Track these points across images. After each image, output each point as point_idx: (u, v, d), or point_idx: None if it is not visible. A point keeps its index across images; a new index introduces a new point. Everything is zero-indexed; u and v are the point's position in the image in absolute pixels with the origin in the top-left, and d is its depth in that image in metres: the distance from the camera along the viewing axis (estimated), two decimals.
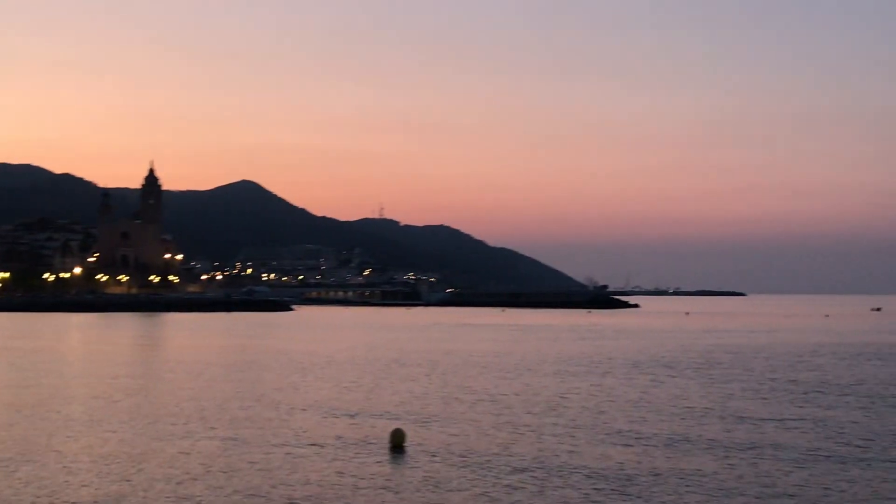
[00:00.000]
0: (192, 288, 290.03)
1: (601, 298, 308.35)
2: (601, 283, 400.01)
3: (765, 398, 45.57)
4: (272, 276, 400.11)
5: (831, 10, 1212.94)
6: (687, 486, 25.12)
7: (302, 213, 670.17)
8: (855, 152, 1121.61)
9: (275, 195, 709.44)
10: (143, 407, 40.83)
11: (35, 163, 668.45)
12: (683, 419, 37.81)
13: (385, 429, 33.44)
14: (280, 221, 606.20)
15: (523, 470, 27.18)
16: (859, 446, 31.68)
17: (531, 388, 49.58)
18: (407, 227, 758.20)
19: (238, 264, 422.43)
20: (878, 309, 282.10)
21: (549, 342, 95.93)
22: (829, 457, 29.60)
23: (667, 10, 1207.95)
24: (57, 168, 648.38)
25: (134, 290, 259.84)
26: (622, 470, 27.14)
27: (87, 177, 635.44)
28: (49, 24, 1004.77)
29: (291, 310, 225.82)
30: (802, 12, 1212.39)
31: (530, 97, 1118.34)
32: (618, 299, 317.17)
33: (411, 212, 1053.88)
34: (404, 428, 32.84)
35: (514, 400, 44.30)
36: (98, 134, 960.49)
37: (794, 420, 37.83)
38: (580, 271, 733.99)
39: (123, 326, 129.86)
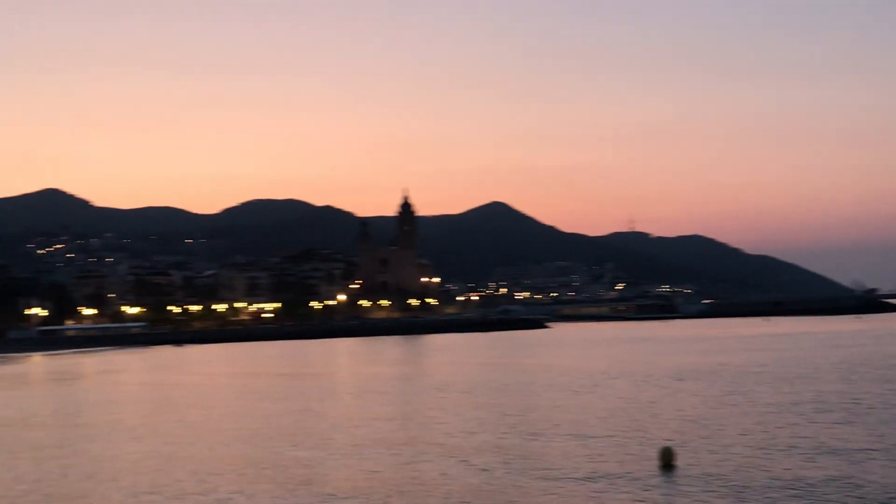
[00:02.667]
0: (449, 310, 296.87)
1: (871, 303, 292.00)
2: (870, 286, 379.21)
3: None
4: (525, 294, 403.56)
5: None
6: None
7: (551, 231, 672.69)
8: None
9: (524, 214, 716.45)
10: (411, 431, 41.96)
11: (298, 197, 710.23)
12: None
13: (654, 446, 32.85)
14: (530, 240, 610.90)
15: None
16: None
17: (817, 398, 47.39)
18: (658, 238, 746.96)
19: (492, 284, 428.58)
20: None
21: (824, 349, 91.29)
22: None
23: None
24: (318, 201, 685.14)
25: (395, 314, 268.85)
26: None
27: (346, 207, 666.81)
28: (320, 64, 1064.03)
29: (547, 327, 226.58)
30: None
31: (775, 98, 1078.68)
32: (890, 303, 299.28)
33: (662, 223, 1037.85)
34: (675, 446, 32.04)
35: (798, 410, 42.40)
36: (354, 166, 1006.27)
37: None
38: (845, 275, 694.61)
39: (390, 350, 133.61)
